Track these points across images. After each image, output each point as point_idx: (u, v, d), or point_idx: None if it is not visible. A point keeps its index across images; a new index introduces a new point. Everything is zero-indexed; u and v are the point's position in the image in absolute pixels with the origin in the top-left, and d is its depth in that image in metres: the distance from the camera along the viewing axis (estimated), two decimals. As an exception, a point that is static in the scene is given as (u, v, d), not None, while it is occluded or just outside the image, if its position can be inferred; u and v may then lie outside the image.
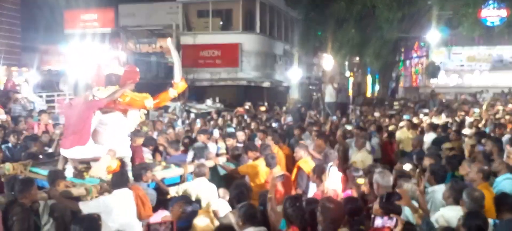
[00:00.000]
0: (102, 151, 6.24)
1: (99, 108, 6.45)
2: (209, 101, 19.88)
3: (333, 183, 5.93)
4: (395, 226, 3.77)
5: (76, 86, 6.43)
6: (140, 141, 7.43)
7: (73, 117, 6.27)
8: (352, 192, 5.62)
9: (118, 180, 5.43)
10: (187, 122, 15.05)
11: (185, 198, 5.53)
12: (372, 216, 3.92)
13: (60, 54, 21.15)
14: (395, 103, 23.48)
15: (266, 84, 24.25)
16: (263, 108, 19.72)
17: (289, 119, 15.01)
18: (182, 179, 6.71)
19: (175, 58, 7.10)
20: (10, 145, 8.74)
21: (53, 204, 5.42)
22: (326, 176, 5.96)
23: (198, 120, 14.43)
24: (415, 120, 13.56)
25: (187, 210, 4.13)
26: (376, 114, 16.75)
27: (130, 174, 6.17)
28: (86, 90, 6.35)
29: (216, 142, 9.05)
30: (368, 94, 34.84)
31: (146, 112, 7.20)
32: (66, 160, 6.54)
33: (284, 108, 19.94)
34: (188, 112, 17.25)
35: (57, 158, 6.98)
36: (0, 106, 13.09)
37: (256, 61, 23.33)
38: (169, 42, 7.54)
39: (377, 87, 35.71)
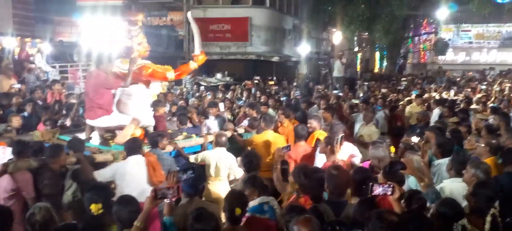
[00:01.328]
0: (126, 120, 6.54)
1: (114, 88, 6.65)
2: (218, 75, 20.04)
3: (344, 154, 6.14)
4: (392, 193, 3.75)
5: (98, 58, 6.64)
6: (162, 110, 7.71)
7: (95, 88, 6.50)
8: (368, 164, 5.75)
9: (131, 146, 5.60)
10: (197, 94, 15.28)
11: (180, 166, 5.77)
12: (370, 184, 3.86)
13: (73, 26, 21.30)
14: (403, 79, 23.52)
15: (275, 59, 24.31)
16: (272, 83, 19.89)
17: (297, 93, 15.19)
18: (202, 148, 6.96)
19: (195, 31, 7.23)
20: (25, 113, 8.96)
21: (76, 169, 5.62)
22: (338, 147, 6.13)
23: (208, 93, 14.66)
24: (424, 95, 13.66)
25: (182, 178, 4.24)
26: (384, 90, 16.85)
27: None
28: (108, 62, 6.60)
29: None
30: (376, 70, 34.78)
31: (167, 83, 7.43)
32: (92, 129, 6.84)
33: (294, 83, 20.04)
34: (198, 85, 17.45)
35: (83, 127, 7.29)
36: (14, 75, 13.35)
37: (265, 35, 23.37)
38: (189, 16, 7.66)
39: (385, 63, 35.64)
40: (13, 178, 4.86)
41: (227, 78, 20.18)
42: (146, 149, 6.13)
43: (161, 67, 6.90)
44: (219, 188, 6.26)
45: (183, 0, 22.38)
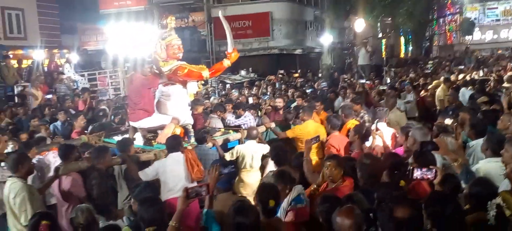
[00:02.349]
0: (166, 120, 6.78)
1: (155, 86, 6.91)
2: (243, 72, 20.11)
3: (381, 140, 6.15)
4: (435, 177, 3.70)
5: (136, 63, 6.86)
6: (200, 108, 7.95)
7: (136, 91, 6.83)
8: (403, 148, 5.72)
9: (172, 144, 5.81)
10: (223, 92, 15.39)
11: (221, 161, 5.90)
12: (410, 168, 3.82)
13: (98, 34, 21.73)
14: (430, 62, 23.12)
15: (298, 51, 24.23)
16: (296, 75, 19.85)
17: (324, 84, 15.13)
18: (240, 143, 7.16)
19: (227, 30, 7.35)
20: (59, 122, 9.23)
21: (126, 169, 5.90)
22: (374, 133, 6.11)
23: (234, 90, 14.74)
24: (452, 78, 13.43)
25: (223, 172, 4.30)
26: (412, 75, 16.62)
27: (193, 140, 6.77)
28: (146, 66, 6.85)
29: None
30: (402, 55, 34.27)
31: (203, 82, 7.57)
32: (135, 130, 7.15)
33: (319, 75, 19.94)
34: (224, 83, 17.55)
35: (124, 129, 7.72)
36: (46, 86, 13.73)
37: (287, 29, 23.30)
38: (220, 15, 7.75)
39: (410, 47, 35.09)
40: (64, 180, 5.13)
41: (251, 75, 20.23)
42: (189, 146, 6.38)
43: (196, 66, 7.08)
44: (252, 178, 6.47)
45: (204, 0, 22.51)
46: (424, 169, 3.73)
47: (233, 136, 7.39)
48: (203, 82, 7.58)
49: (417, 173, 3.73)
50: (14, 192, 4.59)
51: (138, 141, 7.03)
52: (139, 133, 7.17)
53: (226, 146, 7.05)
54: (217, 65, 7.34)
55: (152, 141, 6.94)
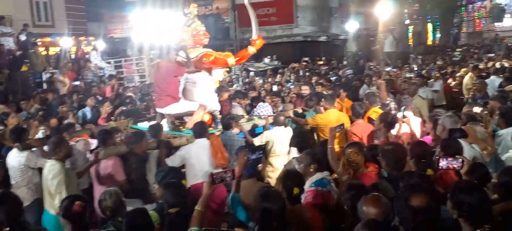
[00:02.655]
0: (194, 106, 6.89)
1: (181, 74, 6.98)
2: (266, 59, 20.06)
3: (408, 128, 6.07)
4: (461, 167, 3.61)
5: (163, 50, 6.94)
6: (226, 95, 8.09)
7: (164, 78, 6.92)
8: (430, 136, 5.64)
9: (198, 130, 5.90)
10: (247, 80, 15.40)
11: (249, 146, 5.90)
12: (436, 157, 3.75)
13: (124, 21, 21.95)
14: (458, 50, 22.61)
15: (323, 38, 23.97)
16: (321, 62, 19.69)
17: (349, 71, 14.97)
18: (264, 129, 7.22)
19: (252, 17, 7.34)
20: (87, 108, 9.41)
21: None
22: (401, 121, 6.05)
23: (257, 78, 14.75)
24: (481, 66, 13.12)
25: (251, 158, 4.31)
26: (439, 62, 16.30)
27: (219, 126, 6.85)
28: (173, 53, 6.94)
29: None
30: (429, 42, 33.60)
31: (228, 69, 7.63)
32: (162, 117, 7.26)
33: (344, 62, 19.72)
34: (247, 70, 17.55)
35: (149, 116, 7.86)
36: (73, 73, 14.00)
37: (311, 15, 23.09)
38: (245, 1, 7.75)
39: (438, 34, 34.36)
40: (104, 164, 5.26)
41: (275, 62, 20.16)
42: (217, 132, 6.48)
43: (222, 54, 7.17)
44: (280, 162, 6.46)
45: (227, -13, 22.50)
46: (450, 159, 3.63)
47: (259, 122, 7.46)
48: (228, 69, 7.61)
49: (443, 163, 3.63)
50: (53, 173, 4.76)
51: (164, 127, 7.11)
52: (165, 119, 7.25)
53: (253, 132, 7.12)
54: (242, 52, 7.38)
55: (180, 127, 7.04)
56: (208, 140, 5.75)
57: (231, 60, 7.04)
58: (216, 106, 7.21)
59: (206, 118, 6.84)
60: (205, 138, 5.78)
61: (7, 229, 3.36)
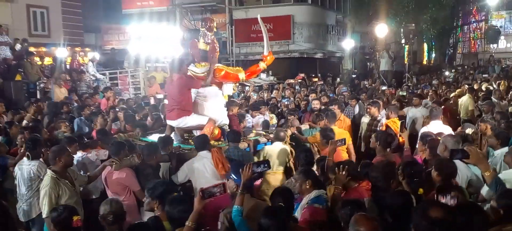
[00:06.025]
0: (204, 120, 6.86)
1: (196, 87, 6.99)
2: (263, 75, 20.00)
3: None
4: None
5: (177, 64, 6.96)
6: (235, 109, 8.08)
7: (178, 90, 6.83)
8: (420, 156, 5.64)
9: (200, 143, 5.93)
10: (242, 95, 15.35)
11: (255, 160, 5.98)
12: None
13: (120, 33, 21.96)
14: (453, 70, 22.74)
15: (319, 55, 24.05)
16: (316, 79, 19.71)
17: (344, 89, 14.97)
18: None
19: (264, 33, 7.46)
20: (82, 117, 9.31)
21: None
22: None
23: (253, 93, 14.69)
24: (475, 86, 13.17)
25: (256, 171, 4.35)
26: (434, 82, 16.36)
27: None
28: (183, 67, 6.89)
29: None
30: (425, 62, 33.81)
31: (238, 84, 7.61)
32: (172, 129, 7.19)
33: (337, 79, 19.78)
34: (243, 85, 17.52)
35: (157, 129, 7.90)
36: (66, 84, 13.84)
37: (308, 32, 23.18)
38: (259, 18, 7.78)
39: (433, 54, 34.61)
40: (118, 174, 5.31)
41: (271, 78, 20.15)
42: (226, 146, 6.50)
43: (233, 68, 7.19)
44: (277, 179, 6.45)
45: (225, 2, 22.55)
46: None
47: (262, 138, 7.44)
48: (238, 84, 7.64)
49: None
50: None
51: (174, 139, 7.07)
52: (174, 132, 7.20)
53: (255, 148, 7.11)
54: (252, 68, 7.51)
55: (189, 140, 7.03)
56: (210, 153, 5.76)
57: (242, 75, 7.16)
58: (225, 121, 7.26)
59: (216, 132, 6.88)
60: (206, 150, 5.80)
61: None
